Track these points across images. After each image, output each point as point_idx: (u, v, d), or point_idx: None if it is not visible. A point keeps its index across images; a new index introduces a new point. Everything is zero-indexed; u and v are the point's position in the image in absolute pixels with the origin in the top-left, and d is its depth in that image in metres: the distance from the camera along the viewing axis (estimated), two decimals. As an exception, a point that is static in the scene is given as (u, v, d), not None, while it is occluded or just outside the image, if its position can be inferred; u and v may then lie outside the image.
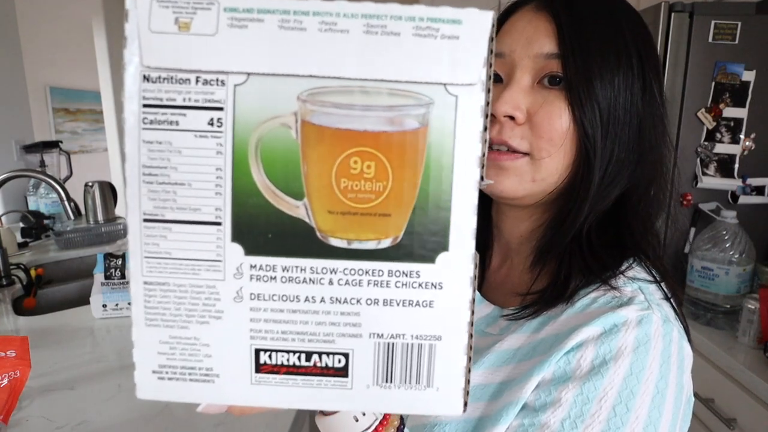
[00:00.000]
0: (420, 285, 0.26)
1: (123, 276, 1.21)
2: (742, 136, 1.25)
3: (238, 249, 0.25)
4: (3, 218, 2.02)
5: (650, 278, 0.45)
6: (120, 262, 1.21)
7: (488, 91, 0.24)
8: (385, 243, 0.25)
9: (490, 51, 0.24)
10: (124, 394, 0.86)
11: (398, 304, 0.26)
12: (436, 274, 0.26)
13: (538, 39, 0.44)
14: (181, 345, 0.26)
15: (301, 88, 0.23)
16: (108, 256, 1.21)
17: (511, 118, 0.44)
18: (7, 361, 0.87)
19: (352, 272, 0.25)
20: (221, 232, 0.24)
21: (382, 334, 0.26)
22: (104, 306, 1.21)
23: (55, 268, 1.74)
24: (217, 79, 0.23)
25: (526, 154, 0.44)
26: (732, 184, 1.27)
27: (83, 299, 1.27)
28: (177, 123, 0.23)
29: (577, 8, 0.44)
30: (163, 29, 0.23)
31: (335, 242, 0.25)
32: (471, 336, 0.26)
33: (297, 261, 0.25)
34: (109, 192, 2.10)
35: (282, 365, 0.26)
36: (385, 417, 0.37)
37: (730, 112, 1.25)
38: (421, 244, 0.25)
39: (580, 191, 0.45)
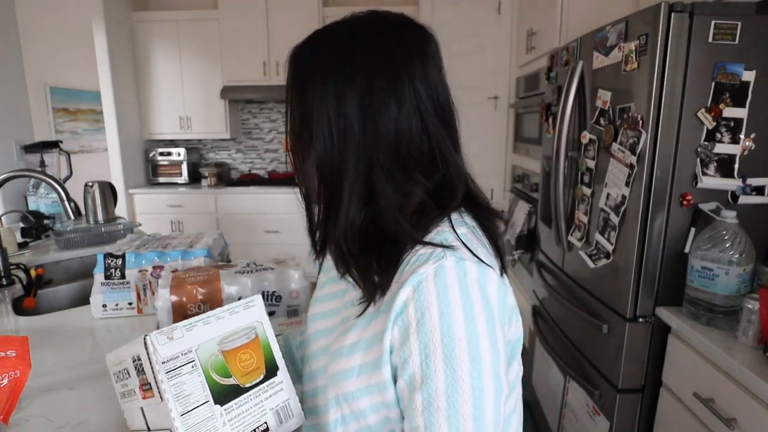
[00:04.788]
0: (279, 387, 0.65)
1: (123, 276, 1.21)
2: (742, 136, 1.25)
3: (219, 407, 0.59)
4: (3, 218, 2.02)
5: (453, 230, 0.56)
6: (120, 262, 1.21)
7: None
8: (261, 377, 0.64)
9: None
10: (124, 394, 0.86)
11: (271, 405, 0.64)
12: (279, 379, 0.66)
13: None
14: None
15: (216, 341, 0.61)
16: (108, 256, 1.21)
17: None
18: (7, 361, 0.86)
19: (256, 394, 0.63)
20: (210, 404, 0.58)
21: (275, 408, 0.64)
22: (104, 306, 1.21)
23: (55, 268, 1.74)
24: (189, 350, 0.59)
25: None
26: (732, 184, 1.27)
27: (83, 299, 1.27)
28: (180, 372, 0.57)
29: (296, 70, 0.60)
30: (165, 341, 0.57)
31: (248, 385, 0.62)
32: None
33: (239, 399, 0.61)
34: (109, 192, 2.10)
35: None
36: None
37: (730, 112, 1.25)
38: (272, 373, 0.65)
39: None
